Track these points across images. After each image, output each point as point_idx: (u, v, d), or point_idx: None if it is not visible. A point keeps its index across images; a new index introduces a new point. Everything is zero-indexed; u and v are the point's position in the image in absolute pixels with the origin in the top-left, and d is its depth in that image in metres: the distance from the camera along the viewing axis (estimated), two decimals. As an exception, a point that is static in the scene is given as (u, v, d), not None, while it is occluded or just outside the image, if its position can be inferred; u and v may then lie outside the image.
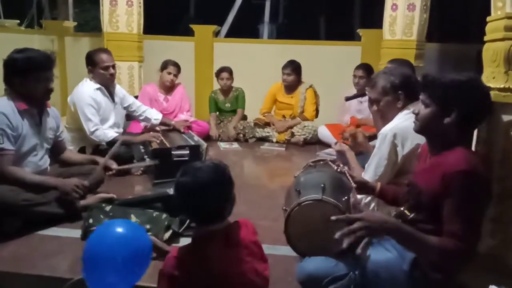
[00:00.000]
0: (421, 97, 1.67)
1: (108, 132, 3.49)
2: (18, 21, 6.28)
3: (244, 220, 1.62)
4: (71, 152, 3.05)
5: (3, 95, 2.49)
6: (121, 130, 3.76)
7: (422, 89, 1.67)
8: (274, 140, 4.78)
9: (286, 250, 1.91)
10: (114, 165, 2.94)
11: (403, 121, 2.22)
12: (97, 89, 3.52)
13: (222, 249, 1.50)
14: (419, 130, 1.70)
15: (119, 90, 3.78)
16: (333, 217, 1.49)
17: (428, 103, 1.63)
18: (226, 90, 5.04)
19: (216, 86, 5.25)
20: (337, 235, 1.41)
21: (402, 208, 1.71)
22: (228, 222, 1.56)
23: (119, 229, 1.58)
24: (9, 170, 2.36)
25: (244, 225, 1.59)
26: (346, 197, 1.76)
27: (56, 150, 2.81)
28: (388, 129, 2.25)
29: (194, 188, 1.48)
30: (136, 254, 1.55)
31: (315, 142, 4.67)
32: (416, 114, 1.69)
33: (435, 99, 1.61)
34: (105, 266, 1.51)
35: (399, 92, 2.28)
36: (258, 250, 1.58)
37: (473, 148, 1.97)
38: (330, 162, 2.08)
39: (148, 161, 3.23)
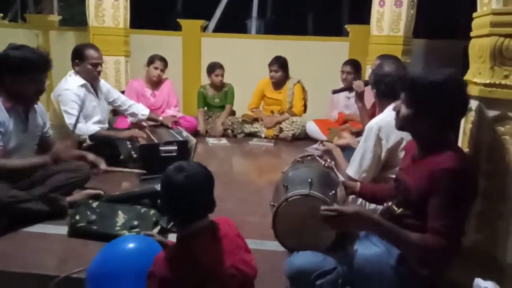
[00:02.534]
0: (402, 95, 1.67)
1: (90, 126, 3.41)
2: (2, 14, 6.19)
3: (222, 217, 1.63)
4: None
5: None
6: (106, 125, 3.71)
7: (403, 88, 1.67)
8: (263, 135, 4.79)
9: (275, 246, 1.91)
10: (103, 165, 2.62)
11: (390, 115, 2.23)
12: (82, 85, 3.42)
13: (210, 244, 1.51)
14: (399, 128, 1.73)
15: (103, 85, 3.69)
16: (322, 207, 1.51)
17: (408, 103, 1.64)
18: (218, 86, 5.01)
19: (204, 81, 5.22)
20: (322, 208, 1.47)
21: (390, 203, 1.72)
22: (209, 218, 1.57)
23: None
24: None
25: (224, 220, 1.62)
26: (333, 192, 1.76)
27: (44, 147, 2.76)
28: (374, 122, 2.28)
29: (188, 187, 1.47)
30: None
31: (303, 138, 4.68)
32: (397, 112, 1.70)
33: (414, 101, 1.61)
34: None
35: (374, 89, 2.42)
36: (242, 242, 1.60)
37: (459, 143, 1.99)
38: (317, 157, 2.08)
39: (136, 171, 3.09)
